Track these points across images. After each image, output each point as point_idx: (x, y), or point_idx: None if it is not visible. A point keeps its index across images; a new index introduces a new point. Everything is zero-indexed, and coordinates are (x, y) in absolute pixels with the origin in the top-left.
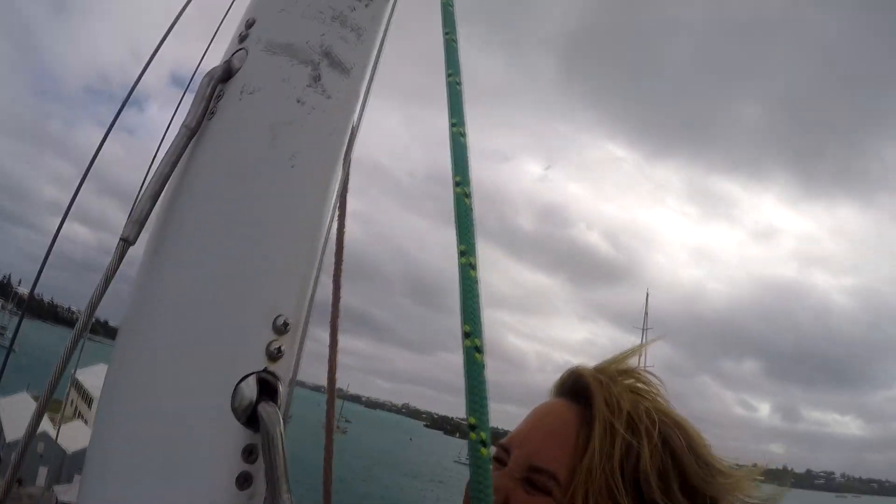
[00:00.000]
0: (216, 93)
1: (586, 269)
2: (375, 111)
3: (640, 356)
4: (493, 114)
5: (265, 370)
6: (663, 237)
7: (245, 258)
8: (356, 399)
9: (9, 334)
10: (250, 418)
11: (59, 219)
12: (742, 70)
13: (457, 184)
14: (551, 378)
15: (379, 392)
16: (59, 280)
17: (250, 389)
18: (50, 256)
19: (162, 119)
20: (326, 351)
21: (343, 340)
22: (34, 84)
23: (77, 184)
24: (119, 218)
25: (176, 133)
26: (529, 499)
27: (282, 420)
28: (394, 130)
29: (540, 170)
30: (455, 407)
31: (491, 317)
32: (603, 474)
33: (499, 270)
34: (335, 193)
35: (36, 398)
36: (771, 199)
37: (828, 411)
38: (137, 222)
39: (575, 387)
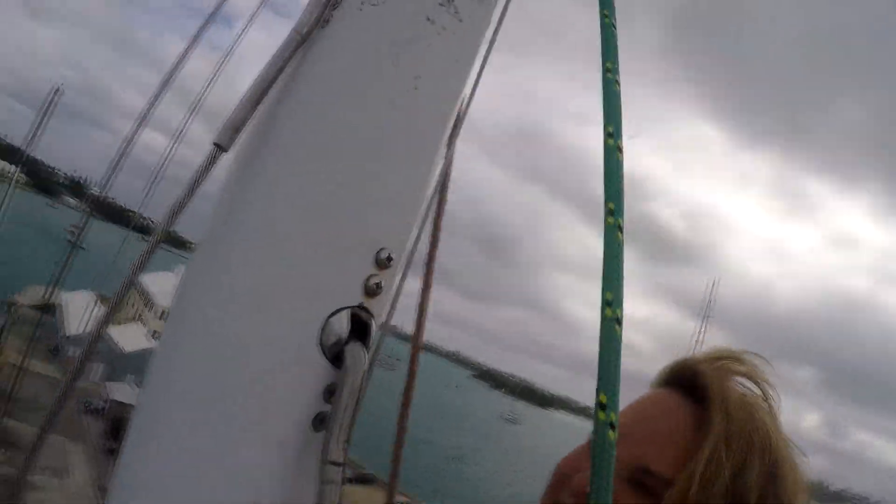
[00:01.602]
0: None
1: (658, 246)
2: None
3: (696, 344)
4: (582, 73)
5: (360, 305)
6: (740, 227)
7: (351, 183)
8: (407, 339)
9: (84, 234)
10: (337, 356)
11: (137, 125)
12: (852, 71)
13: (608, 135)
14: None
15: (430, 335)
16: (135, 186)
17: (341, 325)
18: (126, 162)
19: (256, 38)
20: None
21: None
22: None
23: (155, 93)
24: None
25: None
26: (635, 501)
27: (368, 364)
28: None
29: (624, 136)
30: (501, 362)
31: (555, 279)
32: (709, 485)
33: (570, 233)
34: (452, 124)
35: (99, 296)
36: (858, 208)
37: (876, 434)
38: (233, 128)
39: (690, 382)
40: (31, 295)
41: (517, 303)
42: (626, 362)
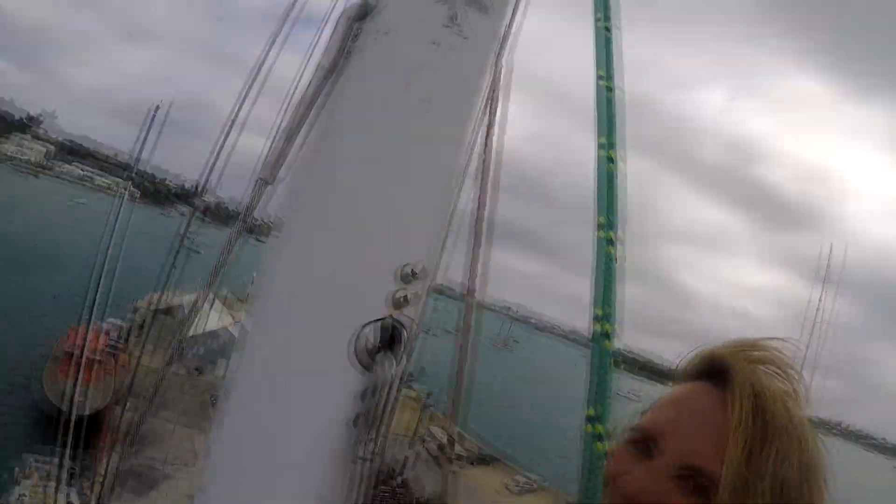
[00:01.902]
0: (353, 32)
1: (770, 210)
2: (552, 26)
3: (816, 313)
4: (675, 35)
5: (389, 318)
6: (858, 186)
7: (375, 206)
8: (525, 320)
9: (196, 238)
10: (370, 363)
11: (238, 133)
12: None
13: (601, 146)
14: (722, 322)
15: (549, 315)
16: (241, 189)
17: (372, 336)
18: (228, 167)
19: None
20: (508, 271)
21: (515, 261)
22: (216, 9)
23: (241, 97)
24: None
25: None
26: (685, 501)
27: (397, 369)
28: (576, 45)
29: (723, 100)
30: (620, 341)
31: (666, 251)
32: (754, 479)
33: (677, 202)
34: (471, 134)
35: (219, 298)
36: None
37: None
38: (274, 163)
39: (722, 374)
40: (152, 300)
41: (631, 278)
42: (740, 332)
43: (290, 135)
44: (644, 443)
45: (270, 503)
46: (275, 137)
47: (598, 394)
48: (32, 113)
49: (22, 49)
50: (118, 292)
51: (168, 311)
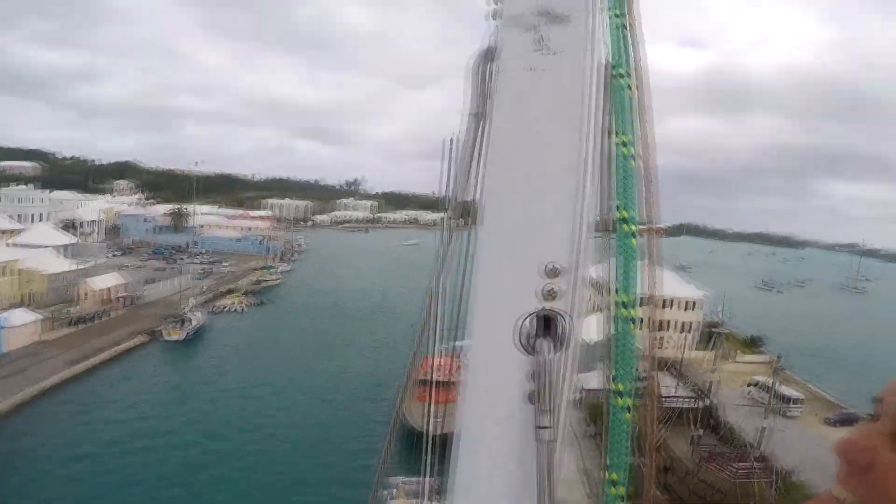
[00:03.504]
0: (484, 75)
1: None
2: None
3: None
4: None
5: (542, 309)
6: None
7: (520, 217)
8: (873, 254)
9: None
10: (533, 347)
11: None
12: None
13: (622, 144)
14: None
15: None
16: None
17: (530, 326)
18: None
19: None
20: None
21: (849, 188)
22: (473, 27)
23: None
24: None
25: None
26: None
27: (563, 350)
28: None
29: None
30: None
31: None
32: None
33: None
34: (591, 139)
35: None
36: None
37: None
38: (455, 200)
39: None
40: None
41: None
42: None
43: (462, 178)
44: (879, 405)
45: (479, 461)
46: (447, 179)
47: (626, 370)
48: (349, 179)
49: (320, 128)
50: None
51: None
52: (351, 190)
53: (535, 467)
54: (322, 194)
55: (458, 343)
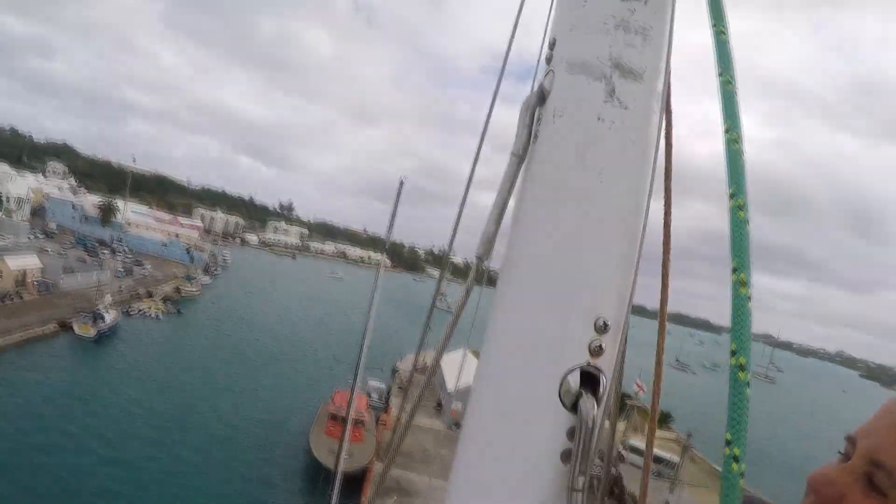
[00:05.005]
0: (536, 117)
1: None
2: (774, 24)
3: None
4: None
5: (588, 364)
6: None
7: (569, 268)
8: (787, 346)
9: (448, 298)
10: (574, 404)
11: (478, 193)
12: None
13: (731, 196)
14: None
15: (811, 338)
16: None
17: (574, 381)
18: (470, 228)
19: None
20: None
21: (773, 282)
22: (435, 76)
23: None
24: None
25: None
26: (865, 500)
27: (598, 410)
28: (799, 42)
29: None
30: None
31: None
32: None
33: None
34: (648, 197)
35: (472, 351)
36: None
37: None
38: (488, 242)
39: None
40: (410, 360)
41: None
42: None
43: (496, 219)
44: (850, 446)
45: None
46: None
47: (736, 420)
48: (284, 202)
49: (263, 147)
50: (380, 355)
51: (426, 370)
52: (283, 213)
53: None
54: (254, 213)
55: (370, 381)
